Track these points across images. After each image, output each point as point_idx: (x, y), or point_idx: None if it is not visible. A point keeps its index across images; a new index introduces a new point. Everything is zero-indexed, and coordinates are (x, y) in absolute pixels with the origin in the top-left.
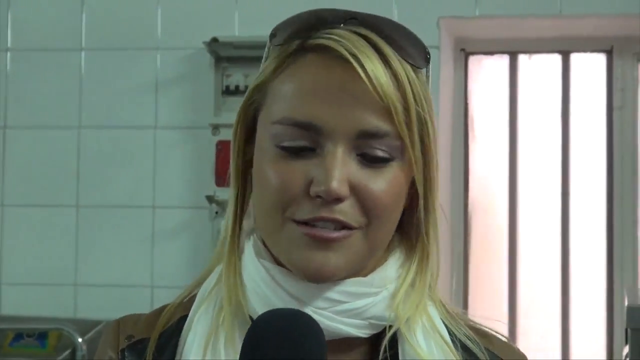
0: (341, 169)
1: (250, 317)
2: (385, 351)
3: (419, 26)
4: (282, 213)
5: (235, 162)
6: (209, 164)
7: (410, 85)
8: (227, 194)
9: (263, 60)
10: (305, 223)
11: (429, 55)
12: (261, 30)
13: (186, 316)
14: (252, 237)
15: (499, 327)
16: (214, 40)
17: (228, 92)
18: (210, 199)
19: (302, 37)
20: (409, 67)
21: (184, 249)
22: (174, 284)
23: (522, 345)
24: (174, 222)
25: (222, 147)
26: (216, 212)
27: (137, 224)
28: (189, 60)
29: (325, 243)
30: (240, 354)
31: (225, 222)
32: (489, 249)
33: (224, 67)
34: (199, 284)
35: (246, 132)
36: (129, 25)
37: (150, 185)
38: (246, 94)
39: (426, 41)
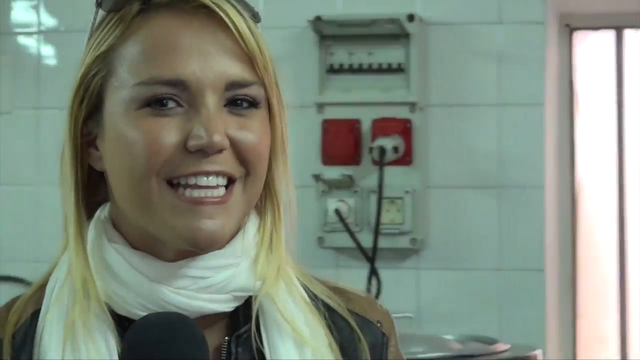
0: (219, 121)
1: (108, 306)
2: (248, 322)
3: (524, 2)
4: (155, 175)
5: (73, 143)
6: (314, 142)
7: (260, 36)
8: (335, 172)
9: (92, 30)
10: (182, 187)
11: (256, 11)
12: (365, 8)
13: (39, 311)
14: (98, 222)
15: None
16: (318, 18)
17: (332, 70)
18: (316, 177)
19: None
20: (251, 20)
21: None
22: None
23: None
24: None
25: (327, 126)
26: (322, 191)
27: None
28: (292, 39)
29: (211, 206)
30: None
31: (66, 210)
32: (596, 232)
33: (327, 46)
34: (48, 275)
35: (88, 108)
36: None
37: None
38: (83, 67)
39: (531, 17)
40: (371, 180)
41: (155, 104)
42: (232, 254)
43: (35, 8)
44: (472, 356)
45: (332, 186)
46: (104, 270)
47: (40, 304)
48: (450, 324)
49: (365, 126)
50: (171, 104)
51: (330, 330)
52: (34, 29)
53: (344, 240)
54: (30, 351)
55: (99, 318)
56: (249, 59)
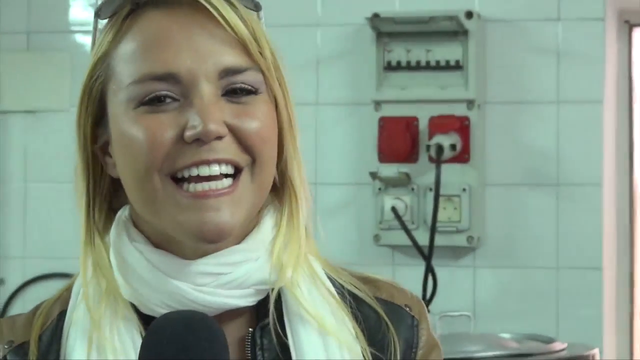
0: (214, 109)
1: (133, 305)
2: (272, 315)
3: None
4: (158, 171)
5: (83, 151)
6: (371, 140)
7: (257, 25)
8: (391, 170)
9: (93, 39)
10: (186, 181)
11: (257, 1)
12: (423, 5)
13: (65, 312)
14: (119, 222)
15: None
16: (375, 15)
17: (390, 67)
18: (373, 175)
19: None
20: (246, 9)
21: (347, 225)
22: (338, 261)
23: None
24: (336, 198)
25: (384, 123)
26: (379, 189)
27: None
28: (350, 36)
29: (215, 199)
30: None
31: (80, 217)
32: None
33: (385, 43)
34: (75, 277)
35: (94, 114)
36: (290, 2)
37: (312, 162)
38: (87, 72)
39: (590, 13)
40: (428, 178)
41: (151, 102)
42: (250, 248)
43: (93, 6)
44: (528, 355)
45: (389, 184)
46: (126, 270)
47: (67, 306)
48: (507, 322)
49: (423, 124)
50: (167, 100)
51: (357, 320)
52: (91, 27)
53: (400, 238)
54: (58, 351)
55: (125, 317)
56: (242, 45)
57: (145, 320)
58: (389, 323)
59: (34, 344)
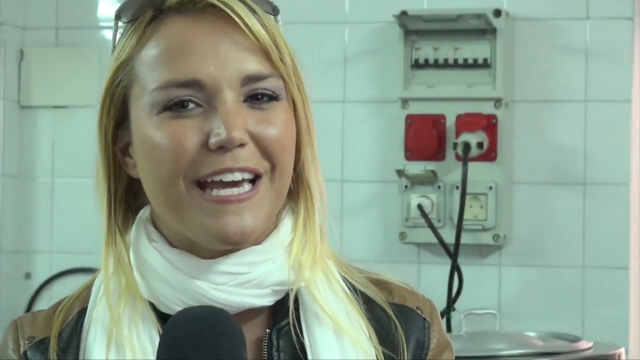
0: (237, 116)
1: (152, 304)
2: (291, 316)
3: None
4: (182, 177)
5: (105, 152)
6: (398, 137)
7: (276, 30)
8: (418, 167)
9: (114, 42)
10: (209, 186)
11: (275, 5)
12: (451, 3)
13: (85, 309)
14: (140, 222)
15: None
16: (403, 13)
17: (417, 65)
18: (400, 172)
19: (154, 4)
20: (266, 14)
21: (373, 223)
22: (364, 258)
23: None
24: (362, 196)
25: (411, 121)
26: (405, 186)
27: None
28: (377, 33)
29: (237, 204)
30: (157, 356)
31: (102, 217)
32: None
33: (413, 41)
34: (95, 276)
35: (116, 117)
36: (318, 0)
37: (338, 159)
38: (108, 76)
39: (619, 12)
40: (455, 176)
41: (175, 107)
42: (268, 249)
43: (121, 2)
44: (554, 354)
45: (415, 181)
46: (145, 269)
47: (87, 303)
48: (532, 321)
49: (450, 121)
50: (191, 105)
51: (369, 321)
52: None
53: (426, 235)
54: (77, 347)
55: (144, 316)
56: (264, 52)
57: (164, 319)
58: (398, 325)
59: (54, 340)
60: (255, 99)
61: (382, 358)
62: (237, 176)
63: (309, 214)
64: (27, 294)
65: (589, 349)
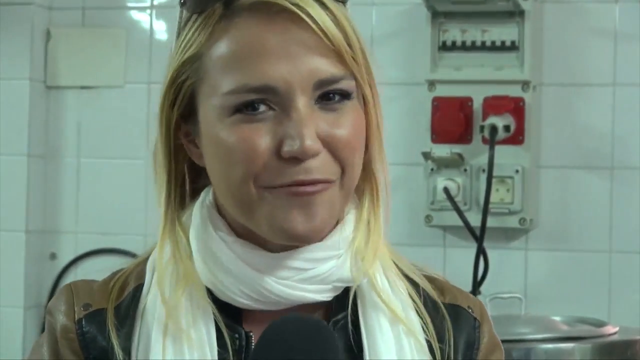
0: (310, 124)
1: (209, 291)
2: (344, 307)
3: None
4: (254, 182)
5: (166, 144)
6: (424, 120)
7: (348, 22)
8: (444, 150)
9: (179, 29)
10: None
11: None
12: None
13: (141, 286)
14: (203, 207)
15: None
16: None
17: (445, 47)
18: (426, 155)
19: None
20: (338, 5)
21: (398, 206)
22: (389, 241)
23: None
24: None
25: (438, 104)
26: (431, 169)
27: None
28: (405, 15)
29: (307, 199)
30: (254, 351)
31: (159, 207)
32: None
33: (440, 23)
34: (149, 253)
35: (179, 111)
36: None
37: None
38: (172, 69)
39: None
40: (481, 159)
41: (246, 109)
42: (333, 246)
43: None
44: (579, 338)
45: (442, 164)
46: (208, 257)
47: (142, 280)
48: (558, 305)
49: (477, 104)
50: (262, 108)
51: (421, 311)
52: (147, 4)
53: (452, 219)
54: (132, 325)
55: (200, 306)
56: (337, 53)
57: (221, 306)
58: (449, 322)
59: (111, 312)
60: (327, 98)
61: (437, 347)
62: (309, 188)
63: (374, 208)
64: (53, 274)
65: (614, 333)
